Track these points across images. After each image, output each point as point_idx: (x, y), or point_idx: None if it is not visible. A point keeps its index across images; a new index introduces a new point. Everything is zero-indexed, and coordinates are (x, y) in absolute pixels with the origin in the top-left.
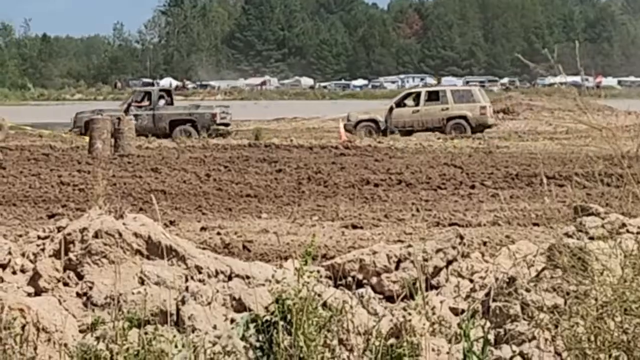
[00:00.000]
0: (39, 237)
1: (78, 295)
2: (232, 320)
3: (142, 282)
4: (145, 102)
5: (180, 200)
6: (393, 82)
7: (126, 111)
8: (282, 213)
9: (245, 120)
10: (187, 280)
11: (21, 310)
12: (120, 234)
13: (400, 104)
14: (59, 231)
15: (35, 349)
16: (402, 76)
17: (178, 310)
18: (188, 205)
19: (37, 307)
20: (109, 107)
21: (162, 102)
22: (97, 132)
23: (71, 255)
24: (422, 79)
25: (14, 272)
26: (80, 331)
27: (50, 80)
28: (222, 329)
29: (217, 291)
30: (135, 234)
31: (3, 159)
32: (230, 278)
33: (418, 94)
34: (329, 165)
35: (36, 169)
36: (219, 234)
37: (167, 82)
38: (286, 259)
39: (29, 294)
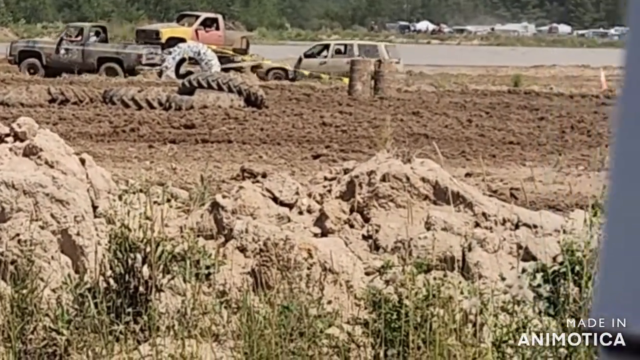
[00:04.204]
0: (325, 178)
1: (364, 237)
2: (524, 270)
3: (428, 228)
4: (78, 38)
5: (443, 145)
6: None
7: (58, 44)
8: (547, 161)
9: (502, 67)
10: (474, 227)
11: (308, 250)
12: (407, 178)
13: (311, 55)
14: (345, 173)
15: (322, 289)
16: None
17: (464, 256)
18: (451, 151)
19: (324, 247)
20: (43, 40)
21: (94, 39)
22: (357, 74)
23: (358, 197)
24: None
25: (301, 212)
26: (366, 273)
27: (307, 21)
28: (508, 278)
29: (504, 239)
30: (423, 179)
31: (265, 98)
32: (517, 226)
33: (327, 46)
34: (592, 115)
35: (298, 109)
36: (484, 180)
37: (423, 25)
38: (554, 208)
39: (315, 235)
